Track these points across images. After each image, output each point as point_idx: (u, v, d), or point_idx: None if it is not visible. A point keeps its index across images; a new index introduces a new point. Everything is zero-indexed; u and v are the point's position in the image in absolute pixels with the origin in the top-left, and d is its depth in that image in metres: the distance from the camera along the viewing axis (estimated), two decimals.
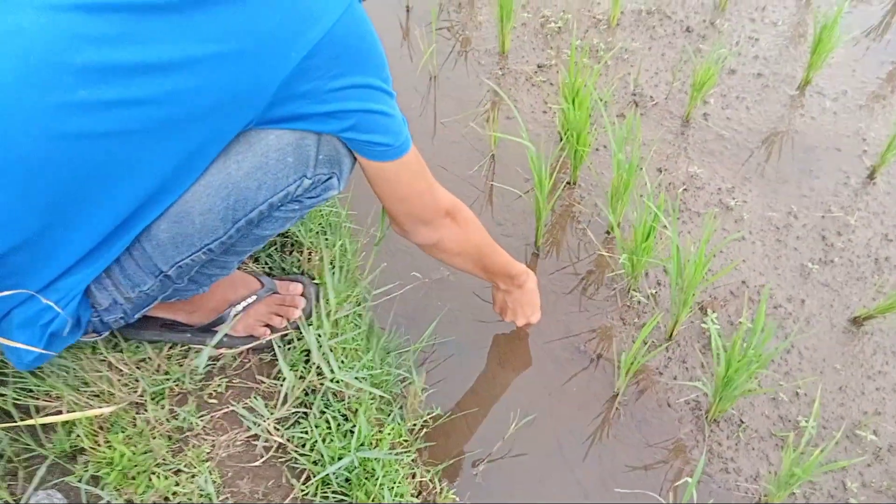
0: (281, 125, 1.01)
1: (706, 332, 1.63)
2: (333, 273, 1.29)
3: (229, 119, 0.96)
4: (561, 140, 1.96)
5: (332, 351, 1.27)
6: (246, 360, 1.33)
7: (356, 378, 1.23)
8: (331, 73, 0.97)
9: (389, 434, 1.25)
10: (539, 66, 2.25)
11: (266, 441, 1.21)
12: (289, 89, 0.96)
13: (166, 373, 1.27)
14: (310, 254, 1.48)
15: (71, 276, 0.99)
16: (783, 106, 2.19)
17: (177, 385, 1.26)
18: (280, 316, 1.34)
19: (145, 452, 1.16)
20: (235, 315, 1.28)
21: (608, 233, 1.81)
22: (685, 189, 1.93)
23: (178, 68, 0.89)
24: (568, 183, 1.92)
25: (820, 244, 1.83)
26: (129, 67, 0.87)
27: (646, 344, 1.57)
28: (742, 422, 1.49)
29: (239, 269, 1.40)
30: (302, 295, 1.37)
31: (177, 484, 1.13)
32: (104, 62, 0.86)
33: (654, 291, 1.70)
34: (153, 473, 1.13)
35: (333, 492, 1.18)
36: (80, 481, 1.12)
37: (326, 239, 1.52)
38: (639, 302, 1.68)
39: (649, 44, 2.35)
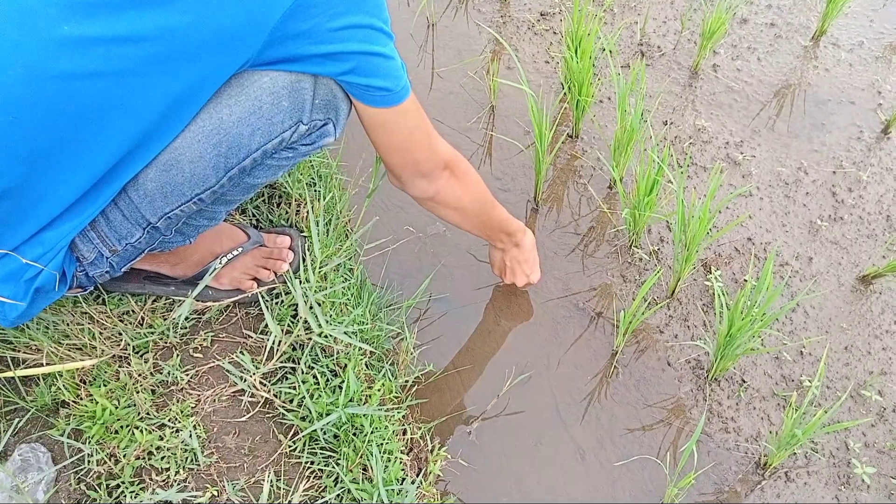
0: (277, 67, 0.95)
1: (709, 289, 1.58)
2: (318, 225, 1.24)
3: (223, 59, 0.90)
4: (563, 91, 1.88)
5: (319, 305, 1.23)
6: (232, 314, 1.29)
7: (345, 333, 1.20)
8: (331, 12, 0.91)
9: (379, 390, 1.22)
10: (542, 14, 2.16)
11: (252, 396, 1.18)
12: (286, 28, 0.90)
13: (150, 326, 1.23)
14: (298, 206, 1.43)
15: (56, 227, 0.95)
16: (796, 57, 2.10)
17: (161, 339, 1.22)
18: (267, 269, 1.29)
19: (128, 406, 1.13)
20: (218, 268, 1.23)
21: (610, 188, 1.75)
22: (691, 143, 1.86)
23: (168, 2, 0.83)
24: (570, 135, 1.85)
25: (830, 200, 1.77)
26: (116, 1, 0.81)
27: (646, 301, 1.53)
28: (744, 381, 1.45)
29: (225, 220, 1.35)
30: (290, 248, 1.33)
31: (160, 438, 1.10)
32: None
33: (656, 248, 1.65)
34: (136, 427, 1.11)
35: (321, 448, 1.15)
36: (62, 435, 1.09)
37: (316, 191, 1.46)
38: (640, 259, 1.63)
39: None
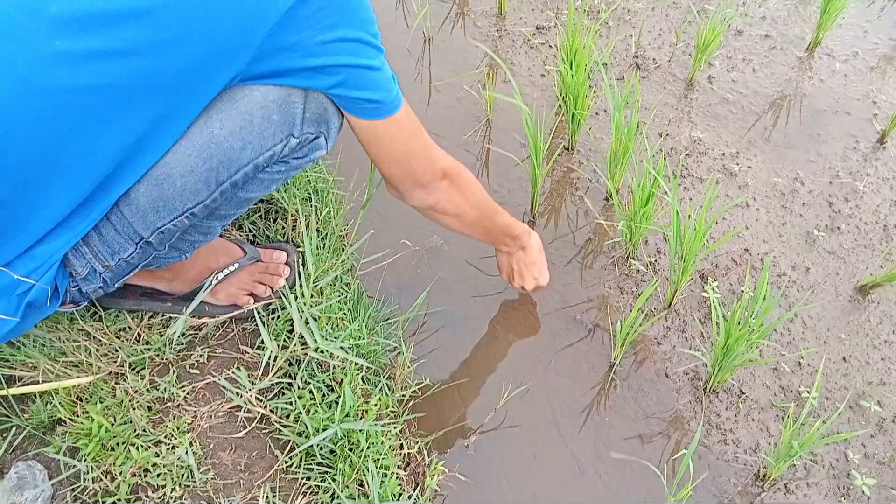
0: (266, 81, 0.96)
1: (707, 301, 1.58)
2: (311, 239, 1.24)
3: (212, 72, 0.91)
4: (558, 104, 1.89)
5: (316, 320, 1.23)
6: (229, 330, 1.29)
7: (341, 348, 1.20)
8: (319, 25, 0.92)
9: (376, 405, 1.21)
10: (538, 28, 2.17)
11: (248, 412, 1.18)
12: (275, 41, 0.91)
13: (146, 342, 1.23)
14: (295, 221, 1.43)
15: (48, 242, 0.95)
16: (791, 68, 2.11)
17: (157, 355, 1.22)
18: (264, 284, 1.30)
19: (124, 423, 1.13)
20: (213, 283, 1.24)
21: (607, 200, 1.76)
22: (687, 154, 1.86)
23: (158, 15, 0.83)
24: (566, 148, 1.86)
25: (826, 211, 1.77)
26: (106, 15, 0.82)
27: (643, 313, 1.53)
28: (742, 392, 1.45)
29: (222, 236, 1.35)
30: (286, 263, 1.33)
31: (156, 455, 1.10)
32: (79, 10, 0.81)
33: (653, 259, 1.65)
34: (132, 444, 1.10)
35: (318, 464, 1.15)
36: (58, 452, 1.09)
37: (313, 206, 1.47)
38: (637, 270, 1.63)
39: (652, 3, 2.27)
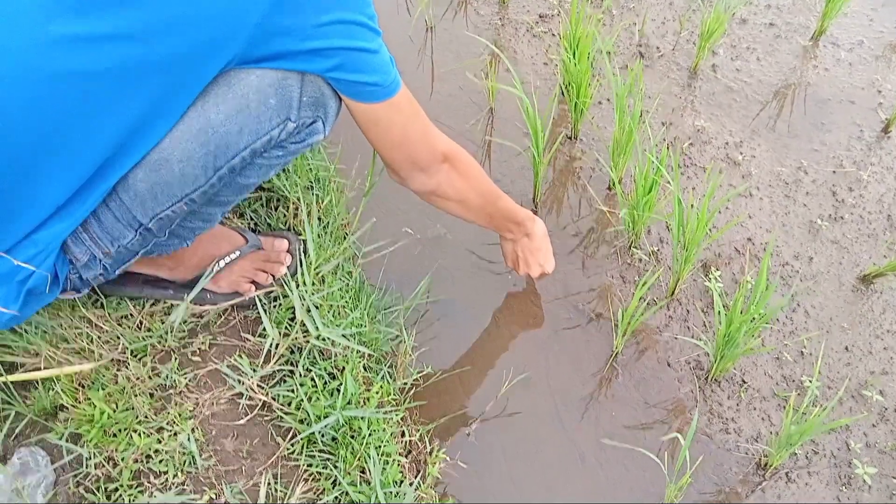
0: (262, 65, 0.96)
1: (709, 290, 1.58)
2: (312, 227, 1.24)
3: (208, 56, 0.91)
4: (562, 93, 1.88)
5: (317, 308, 1.23)
6: (231, 318, 1.29)
7: (343, 336, 1.20)
8: (315, 7, 0.92)
9: (377, 393, 1.22)
10: (541, 16, 2.16)
11: (250, 399, 1.18)
12: (270, 24, 0.90)
13: (148, 329, 1.23)
14: (296, 209, 1.43)
15: (47, 228, 0.94)
16: (796, 57, 2.09)
17: (159, 342, 1.22)
18: (265, 272, 1.30)
19: (126, 410, 1.13)
20: (215, 270, 1.23)
21: (609, 189, 1.75)
22: (691, 143, 1.85)
23: (151, 0, 0.83)
24: (568, 137, 1.85)
25: (830, 200, 1.76)
26: (99, 0, 0.81)
27: (645, 301, 1.53)
28: (744, 381, 1.45)
29: (223, 224, 1.35)
30: (288, 251, 1.33)
31: (158, 441, 1.11)
32: None
33: (655, 249, 1.64)
34: (134, 431, 1.11)
35: (319, 451, 1.15)
36: (60, 439, 1.09)
37: (315, 194, 1.47)
38: (640, 259, 1.62)
39: None
